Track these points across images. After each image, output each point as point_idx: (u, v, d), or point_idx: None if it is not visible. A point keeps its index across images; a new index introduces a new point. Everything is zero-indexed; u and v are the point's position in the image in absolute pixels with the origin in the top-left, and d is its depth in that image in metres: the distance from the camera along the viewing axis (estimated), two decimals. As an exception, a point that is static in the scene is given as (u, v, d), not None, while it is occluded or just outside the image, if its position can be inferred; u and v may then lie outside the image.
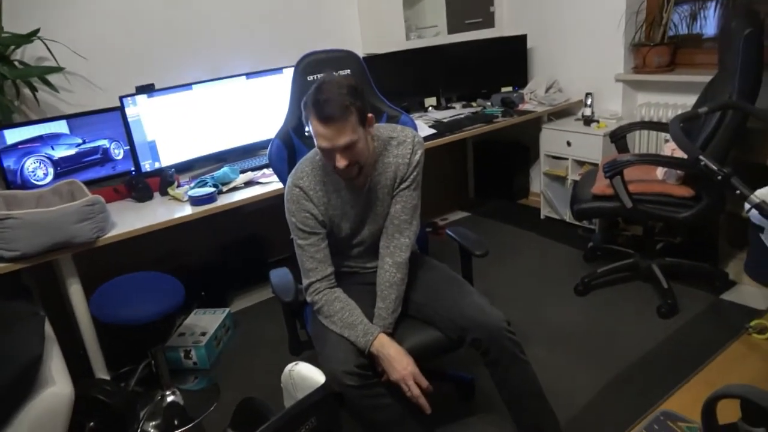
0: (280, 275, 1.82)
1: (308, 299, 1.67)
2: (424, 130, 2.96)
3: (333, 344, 1.56)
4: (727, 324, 2.36)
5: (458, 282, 1.76)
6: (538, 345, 2.34)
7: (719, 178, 1.65)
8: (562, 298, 2.71)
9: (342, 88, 1.49)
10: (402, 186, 1.70)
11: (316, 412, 1.23)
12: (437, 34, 3.44)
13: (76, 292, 2.04)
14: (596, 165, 3.07)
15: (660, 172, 2.52)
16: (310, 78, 1.93)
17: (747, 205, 1.59)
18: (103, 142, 2.44)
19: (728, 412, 1.71)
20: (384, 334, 1.59)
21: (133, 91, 2.45)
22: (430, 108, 3.52)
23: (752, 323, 2.29)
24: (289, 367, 1.39)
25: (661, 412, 1.94)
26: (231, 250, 3.04)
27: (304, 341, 1.84)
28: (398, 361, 1.54)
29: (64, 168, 2.36)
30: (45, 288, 2.29)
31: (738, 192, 1.61)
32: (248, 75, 2.77)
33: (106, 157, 2.45)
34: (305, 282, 1.67)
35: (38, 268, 2.16)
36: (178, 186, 2.44)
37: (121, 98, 2.39)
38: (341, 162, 1.52)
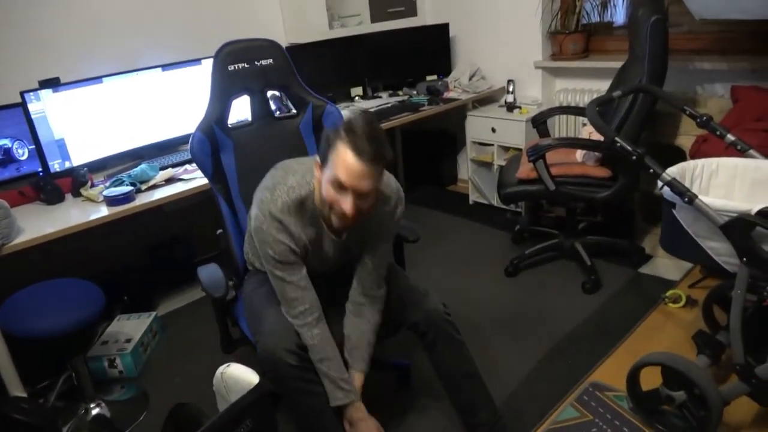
0: (209, 272, 1.75)
1: (299, 330, 1.54)
2: (352, 120, 2.92)
3: (272, 321, 1.54)
4: (646, 296, 2.50)
5: (393, 268, 1.76)
6: (472, 327, 2.39)
7: (634, 158, 1.72)
8: (493, 280, 2.77)
9: (385, 136, 1.42)
10: (382, 240, 1.65)
11: (252, 413, 1.19)
12: (360, 23, 3.41)
13: (-20, 305, 1.88)
14: (520, 150, 3.16)
15: (579, 154, 2.63)
16: (231, 68, 1.86)
17: (659, 183, 1.67)
18: (4, 142, 2.24)
19: (652, 379, 1.81)
20: (361, 404, 1.59)
21: (36, 85, 2.26)
22: (356, 98, 3.49)
23: (667, 293, 2.44)
24: (220, 369, 1.33)
25: (590, 384, 2.02)
26: (154, 251, 2.90)
27: (236, 339, 1.78)
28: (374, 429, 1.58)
29: (-40, 171, 2.16)
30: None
31: (651, 171, 1.69)
32: (164, 67, 2.64)
33: (8, 157, 2.26)
34: (290, 311, 1.55)
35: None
36: (92, 186, 2.29)
37: (22, 94, 2.21)
38: (351, 207, 1.40)
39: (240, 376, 1.27)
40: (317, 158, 1.48)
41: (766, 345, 1.70)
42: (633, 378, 1.82)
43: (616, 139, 1.75)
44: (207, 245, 2.99)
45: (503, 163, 3.25)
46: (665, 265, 2.72)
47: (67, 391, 2.19)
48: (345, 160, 1.37)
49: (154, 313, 2.56)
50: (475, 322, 2.43)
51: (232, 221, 1.88)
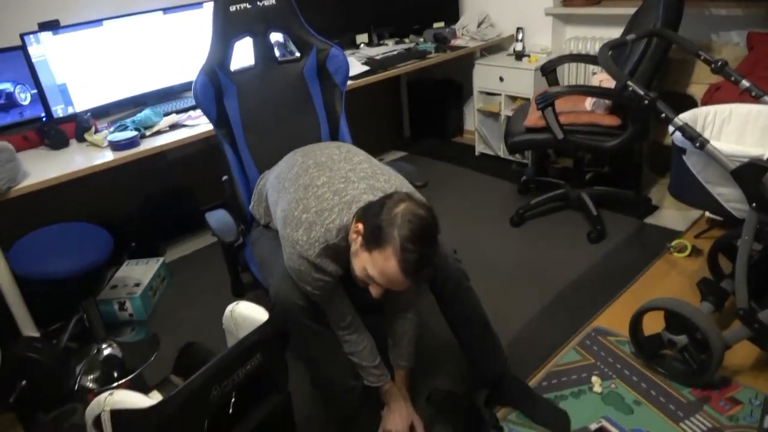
0: (218, 217, 1.76)
1: (342, 339, 1.57)
2: (357, 67, 2.87)
3: (284, 267, 1.53)
4: (651, 245, 2.51)
5: None
6: (477, 275, 2.38)
7: (646, 102, 1.69)
8: (498, 230, 2.78)
9: (437, 246, 1.33)
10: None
11: (261, 349, 1.21)
12: (366, -34, 3.30)
13: (-10, 248, 1.90)
14: (528, 100, 3.11)
15: (589, 103, 2.59)
16: (233, 8, 1.81)
17: (671, 129, 1.65)
18: (6, 86, 2.22)
19: (653, 325, 1.83)
20: (394, 387, 1.65)
21: (35, 28, 2.22)
22: (362, 45, 3.41)
23: (673, 243, 2.44)
24: (229, 307, 1.35)
25: (592, 329, 2.05)
26: (160, 200, 2.90)
27: (246, 283, 1.80)
28: (405, 416, 1.64)
29: (-37, 115, 2.14)
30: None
31: (663, 116, 1.66)
32: (165, 10, 2.57)
33: (10, 102, 2.24)
34: (333, 324, 1.55)
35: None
36: (96, 131, 2.27)
37: (22, 36, 2.16)
38: (379, 295, 1.37)
39: (249, 313, 1.29)
40: (359, 225, 1.34)
41: (769, 291, 1.71)
42: (636, 322, 1.85)
43: (629, 83, 1.72)
44: (210, 195, 2.99)
45: (510, 114, 3.21)
46: (671, 216, 2.71)
47: (79, 333, 2.23)
48: (388, 268, 1.28)
49: (161, 259, 2.58)
50: (480, 271, 2.45)
51: (237, 167, 1.87)
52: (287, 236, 1.44)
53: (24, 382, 1.87)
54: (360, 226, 1.33)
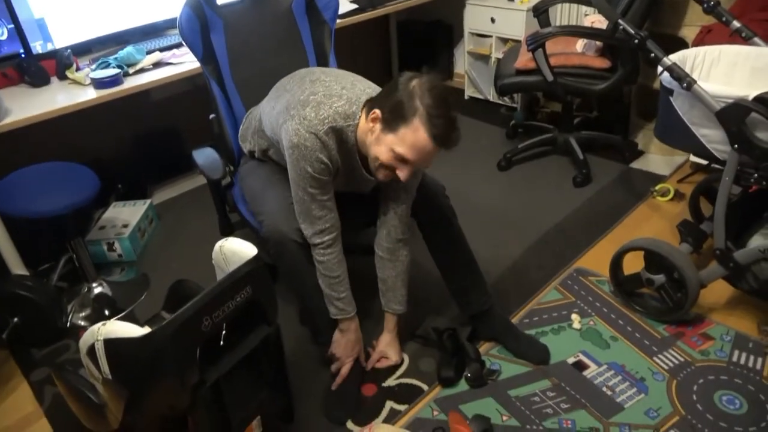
0: (205, 155, 1.76)
1: (314, 250, 1.54)
2: (346, 5, 2.80)
3: (276, 201, 1.56)
4: (635, 189, 2.55)
5: None
6: (464, 218, 2.40)
7: (636, 41, 1.68)
8: (485, 174, 2.79)
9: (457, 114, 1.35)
10: (416, 179, 1.62)
11: (251, 282, 1.23)
12: None
13: (-25, 185, 1.88)
14: (519, 42, 3.06)
15: (580, 45, 2.56)
16: (217, -62, 1.74)
17: (659, 68, 1.64)
18: (-19, 20, 2.14)
19: (633, 265, 1.88)
20: (356, 319, 1.65)
21: (9, -43, 2.12)
22: (350, -18, 3.31)
23: (657, 187, 2.48)
24: (219, 243, 1.37)
25: (574, 269, 2.11)
26: (146, 141, 2.86)
27: (234, 222, 1.82)
28: (351, 347, 1.67)
29: (-62, 50, 2.07)
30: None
31: (652, 55, 1.65)
32: (145, -59, 2.46)
33: (-13, 36, 2.16)
34: (311, 229, 1.51)
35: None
36: (78, 69, 2.22)
37: (-5, -34, 2.08)
38: (407, 177, 1.39)
39: (238, 248, 1.31)
40: (376, 110, 1.36)
41: (746, 232, 1.76)
42: (616, 262, 1.90)
43: (620, 21, 1.70)
44: (198, 136, 2.96)
45: (501, 56, 3.17)
46: (656, 161, 2.74)
47: (69, 274, 2.25)
48: (419, 139, 1.30)
49: (149, 201, 2.58)
50: (467, 214, 2.45)
51: (224, 105, 1.84)
52: (293, 115, 1.42)
53: (16, 319, 1.90)
54: (377, 111, 1.35)
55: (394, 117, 1.32)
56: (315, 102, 1.42)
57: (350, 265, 1.62)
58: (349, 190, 1.61)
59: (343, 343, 1.67)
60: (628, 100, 2.93)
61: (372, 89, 1.51)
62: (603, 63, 2.42)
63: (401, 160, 1.35)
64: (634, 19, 2.20)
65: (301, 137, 1.40)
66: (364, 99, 1.44)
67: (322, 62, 1.99)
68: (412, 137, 1.31)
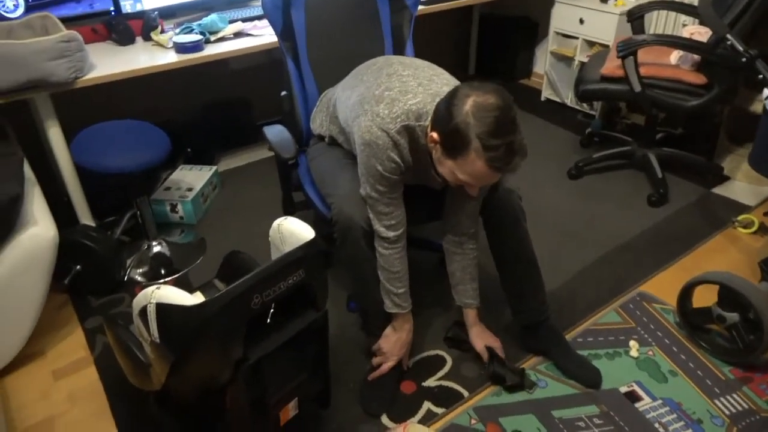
0: (276, 132, 1.75)
1: (377, 242, 1.52)
2: (430, -8, 2.73)
3: (347, 185, 1.53)
4: (714, 217, 2.38)
5: None
6: (527, 222, 2.35)
7: (744, 60, 1.55)
8: (553, 180, 2.68)
9: (519, 126, 1.25)
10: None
11: (305, 265, 1.22)
12: None
13: (55, 135, 1.95)
14: (607, 47, 2.91)
15: (675, 56, 2.40)
16: None
17: (766, 91, 1.51)
18: (79, -25, 2.21)
19: (703, 299, 1.76)
20: (411, 319, 1.63)
21: None
22: (437, -31, 3.23)
23: (739, 217, 2.31)
24: (277, 221, 1.36)
25: (637, 293, 1.99)
26: (218, 109, 2.91)
27: (297, 202, 1.81)
28: (400, 346, 1.63)
29: (36, 0, 2.15)
30: (22, 132, 2.19)
31: (760, 77, 1.52)
32: None
33: (82, -9, 2.23)
34: (378, 224, 1.49)
35: (14, 110, 2.06)
36: (162, 32, 2.26)
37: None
38: (476, 194, 1.39)
39: (296, 229, 1.29)
40: (434, 134, 1.30)
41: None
42: (686, 293, 1.78)
43: (728, 36, 1.57)
44: (269, 110, 2.98)
45: (585, 60, 3.03)
46: (742, 189, 2.55)
47: (131, 230, 2.32)
48: (477, 169, 1.25)
49: (215, 168, 2.62)
50: (530, 219, 2.37)
51: (298, 83, 1.84)
52: (366, 111, 1.39)
53: (78, 267, 1.98)
54: (435, 135, 1.29)
55: (451, 146, 1.27)
56: (389, 99, 1.38)
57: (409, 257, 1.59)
58: (418, 183, 1.58)
59: (393, 340, 1.64)
60: (719, 120, 2.73)
61: (450, 86, 1.43)
62: (698, 79, 2.25)
63: (465, 182, 1.32)
64: (741, 34, 2.03)
65: (373, 134, 1.37)
66: (439, 100, 1.37)
67: (399, 49, 1.94)
68: (470, 168, 1.26)
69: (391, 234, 1.50)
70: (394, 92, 1.39)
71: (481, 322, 1.72)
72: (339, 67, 1.76)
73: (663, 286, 2.01)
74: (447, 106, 1.26)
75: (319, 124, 1.76)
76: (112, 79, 1.95)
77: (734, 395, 1.62)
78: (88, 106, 2.36)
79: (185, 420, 1.42)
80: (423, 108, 1.37)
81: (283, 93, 1.87)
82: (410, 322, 1.64)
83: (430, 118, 1.35)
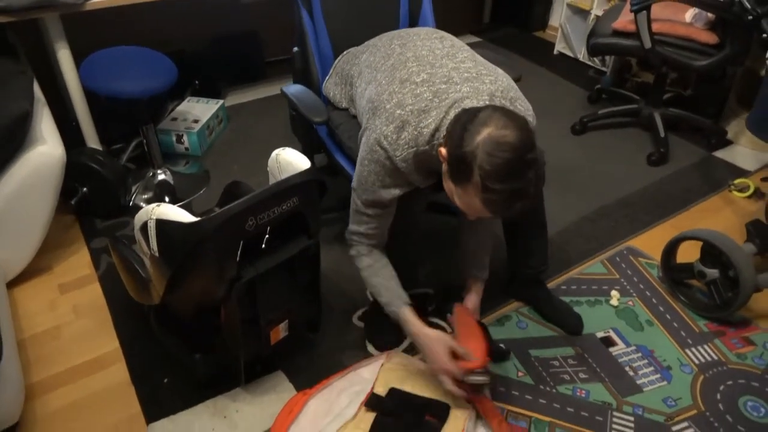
0: (300, 92, 1.65)
1: (352, 251, 1.45)
2: (448, -67, 2.67)
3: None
4: (712, 179, 2.40)
5: None
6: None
7: (750, 17, 1.54)
8: (557, 134, 2.70)
9: (532, 171, 1.11)
10: None
11: (299, 193, 1.27)
12: None
13: (64, 56, 1.98)
14: (624, 1, 2.86)
15: (689, 14, 2.36)
16: None
17: (770, 52, 1.51)
18: None
19: (686, 255, 1.81)
20: (410, 312, 1.42)
21: None
22: None
23: (736, 181, 2.33)
24: (276, 151, 1.40)
25: (626, 247, 2.05)
26: (228, 43, 2.91)
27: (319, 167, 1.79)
28: (434, 355, 1.37)
29: None
30: (32, 53, 2.21)
31: (765, 35, 1.51)
32: None
33: None
34: (354, 230, 1.43)
35: (25, 30, 2.08)
36: (174, -42, 2.25)
37: None
38: (473, 218, 1.24)
39: (293, 159, 1.34)
40: (444, 150, 1.18)
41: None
42: (671, 248, 1.83)
43: (738, -8, 1.55)
44: (279, 46, 2.97)
45: (601, 13, 2.98)
46: (743, 154, 2.56)
47: (137, 158, 2.38)
48: (473, 204, 1.14)
49: (221, 101, 2.64)
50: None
51: (313, 39, 1.74)
52: (376, 127, 1.30)
53: (84, 189, 2.04)
54: (444, 151, 1.18)
55: (454, 172, 1.16)
56: (400, 121, 1.27)
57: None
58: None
59: (426, 352, 1.41)
60: (730, 83, 2.71)
61: (470, 81, 1.30)
62: (710, 38, 2.23)
63: (461, 208, 1.22)
64: (756, -6, 2.00)
65: (376, 154, 1.29)
66: (454, 112, 1.23)
67: (416, 1, 1.89)
68: (467, 200, 1.15)
69: (362, 247, 1.43)
70: (405, 111, 1.27)
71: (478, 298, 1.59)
72: (352, 20, 1.72)
73: (652, 242, 2.06)
74: (463, 127, 1.13)
75: (338, 98, 1.69)
76: (122, 2, 1.95)
77: (705, 346, 1.69)
78: (97, 31, 2.36)
79: (182, 335, 1.51)
80: (436, 127, 1.25)
81: (295, 49, 1.78)
82: (412, 320, 1.43)
83: (444, 133, 1.23)
